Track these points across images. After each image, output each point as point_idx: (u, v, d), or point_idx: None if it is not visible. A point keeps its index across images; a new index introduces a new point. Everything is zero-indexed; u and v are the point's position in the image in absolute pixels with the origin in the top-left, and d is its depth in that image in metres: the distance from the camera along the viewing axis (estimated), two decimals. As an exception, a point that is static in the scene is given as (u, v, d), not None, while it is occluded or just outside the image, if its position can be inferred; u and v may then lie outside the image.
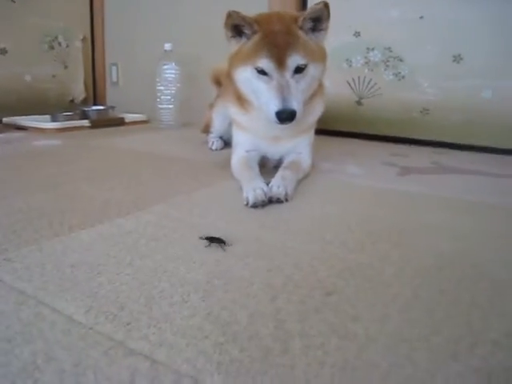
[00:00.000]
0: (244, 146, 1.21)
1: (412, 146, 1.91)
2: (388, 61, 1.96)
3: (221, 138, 1.69)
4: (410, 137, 1.95)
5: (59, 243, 0.71)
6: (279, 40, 1.01)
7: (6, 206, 0.91)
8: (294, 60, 1.00)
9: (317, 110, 1.19)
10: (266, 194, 0.94)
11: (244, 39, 1.08)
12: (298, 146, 1.20)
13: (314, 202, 1.01)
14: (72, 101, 2.52)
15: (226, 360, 0.43)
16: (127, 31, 2.56)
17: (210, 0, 2.26)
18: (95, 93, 2.67)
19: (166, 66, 2.14)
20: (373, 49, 1.97)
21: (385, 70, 1.97)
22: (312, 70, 1.04)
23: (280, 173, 1.07)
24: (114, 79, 2.64)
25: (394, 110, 1.98)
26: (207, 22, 2.26)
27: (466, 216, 0.95)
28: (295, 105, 0.98)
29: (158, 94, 2.16)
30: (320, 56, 1.07)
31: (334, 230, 0.82)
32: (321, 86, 1.18)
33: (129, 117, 2.27)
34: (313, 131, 1.23)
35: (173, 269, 0.63)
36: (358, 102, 2.07)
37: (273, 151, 1.21)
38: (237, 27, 1.08)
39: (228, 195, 1.04)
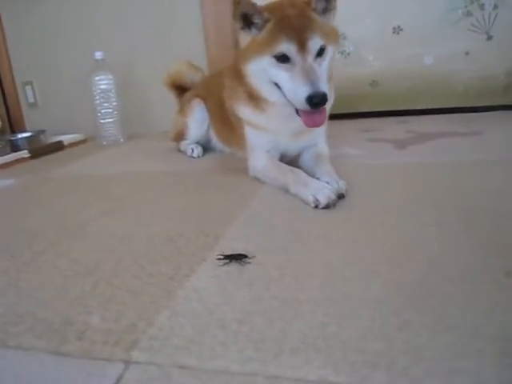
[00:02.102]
0: (263, 146, 1.13)
1: (369, 118, 1.99)
2: (331, 40, 2.00)
3: (197, 143, 1.58)
4: (364, 110, 2.03)
5: (186, 301, 0.59)
6: (296, 23, 0.95)
7: (52, 269, 0.74)
8: (315, 42, 0.95)
9: (331, 96, 1.16)
10: (334, 193, 0.90)
11: (254, 31, 1.01)
12: (315, 138, 1.17)
13: (361, 191, 0.98)
14: (-13, 132, 2.14)
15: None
16: (39, 45, 2.22)
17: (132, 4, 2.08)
18: (10, 119, 2.29)
19: (98, 77, 1.92)
20: (315, 30, 1.99)
21: (329, 49, 2.01)
22: (330, 53, 1.00)
23: (322, 169, 1.03)
24: (31, 100, 2.29)
25: (346, 87, 2.02)
26: (135, 26, 2.10)
27: (491, 175, 1.02)
28: (325, 88, 0.93)
29: (98, 108, 1.93)
30: (335, 37, 1.02)
31: (415, 212, 0.83)
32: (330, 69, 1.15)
33: (66, 139, 2.00)
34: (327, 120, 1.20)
35: (347, 291, 0.57)
36: (308, 85, 2.08)
37: (292, 147, 1.16)
38: (246, 17, 1.00)
39: (281, 200, 0.98)
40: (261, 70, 1.00)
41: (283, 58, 0.95)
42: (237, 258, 0.68)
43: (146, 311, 0.57)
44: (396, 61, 1.94)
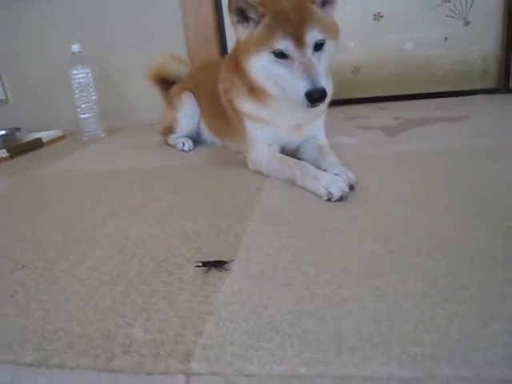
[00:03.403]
0: (265, 140, 1.13)
1: (353, 105, 2.01)
2: (312, 28, 1.99)
3: (187, 136, 1.55)
4: (347, 97, 2.04)
5: (227, 305, 0.58)
6: (293, 16, 0.94)
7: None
8: (313, 36, 0.94)
9: (330, 89, 1.16)
10: (346, 185, 0.91)
11: (252, 25, 0.99)
12: (314, 130, 1.17)
13: (367, 181, 0.98)
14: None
15: None
16: (7, 37, 2.10)
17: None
18: (-23, 117, 2.17)
19: (76, 71, 1.84)
20: (296, 18, 1.97)
21: (311, 37, 2.00)
22: (329, 47, 1.00)
23: (328, 161, 1.03)
24: (1, 96, 2.17)
25: (328, 75, 2.03)
26: (112, 17, 2.02)
27: (490, 161, 1.05)
28: (324, 83, 0.93)
29: (78, 103, 1.86)
30: (334, 31, 1.02)
31: (427, 201, 0.85)
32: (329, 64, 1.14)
33: (44, 136, 1.92)
34: (325, 112, 1.20)
35: (386, 285, 0.58)
36: (290, 73, 2.07)
37: (293, 141, 1.16)
38: (242, 11, 0.98)
39: (289, 193, 0.98)
40: (261, 66, 0.99)
41: (281, 55, 0.95)
42: (215, 264, 0.67)
43: (189, 319, 0.56)
44: (377, 47, 1.96)
